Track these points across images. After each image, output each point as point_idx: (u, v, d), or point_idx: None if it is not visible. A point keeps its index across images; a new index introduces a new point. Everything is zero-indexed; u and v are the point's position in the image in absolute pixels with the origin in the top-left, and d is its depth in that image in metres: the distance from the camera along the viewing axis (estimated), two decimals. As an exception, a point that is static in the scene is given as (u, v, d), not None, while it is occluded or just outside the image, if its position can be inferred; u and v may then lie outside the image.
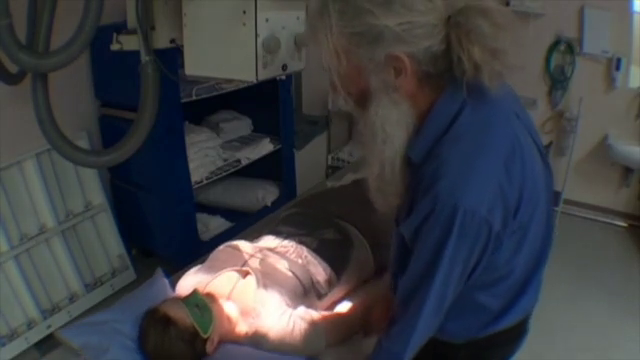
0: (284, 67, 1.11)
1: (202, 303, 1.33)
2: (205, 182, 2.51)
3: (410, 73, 0.77)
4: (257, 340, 1.35)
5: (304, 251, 1.58)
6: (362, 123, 0.84)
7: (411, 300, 0.87)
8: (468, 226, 0.76)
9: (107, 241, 2.51)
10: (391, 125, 0.80)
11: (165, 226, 2.46)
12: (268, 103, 2.81)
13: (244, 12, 1.06)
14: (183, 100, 2.23)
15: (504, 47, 0.74)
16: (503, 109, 0.85)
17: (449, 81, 0.78)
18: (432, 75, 0.78)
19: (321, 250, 1.59)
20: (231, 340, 1.37)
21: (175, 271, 1.70)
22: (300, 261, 1.54)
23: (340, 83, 0.83)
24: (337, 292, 1.57)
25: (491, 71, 0.74)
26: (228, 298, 1.42)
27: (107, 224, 2.50)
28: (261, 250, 1.58)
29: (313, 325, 1.36)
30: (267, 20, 1.09)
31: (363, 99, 0.82)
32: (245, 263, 1.50)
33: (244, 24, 1.03)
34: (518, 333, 1.04)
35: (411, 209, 0.82)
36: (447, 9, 0.74)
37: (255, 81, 1.14)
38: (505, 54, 0.74)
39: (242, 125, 2.95)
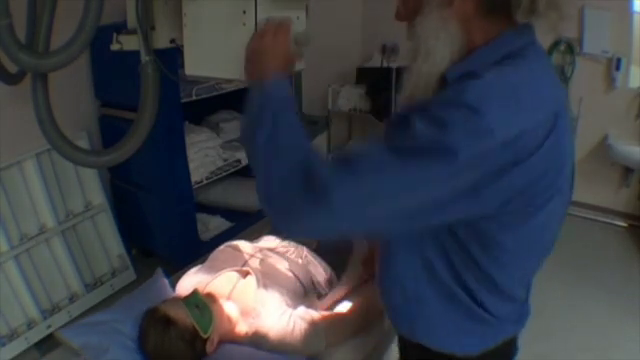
0: (284, 67, 1.10)
1: (202, 303, 1.33)
2: (205, 182, 2.51)
3: None
4: (257, 340, 1.35)
5: (304, 251, 1.58)
6: (410, 36, 0.81)
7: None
8: (475, 130, 0.66)
9: (107, 241, 2.51)
10: (435, 40, 0.76)
11: (165, 226, 2.46)
12: (268, 103, 2.81)
13: (244, 12, 1.06)
14: (183, 100, 2.23)
15: None
16: (561, 91, 0.82)
17: (507, 28, 0.76)
18: (489, 7, 0.75)
19: (321, 250, 1.59)
20: (231, 340, 1.37)
21: (175, 271, 1.70)
22: (300, 261, 1.55)
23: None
24: (337, 292, 1.57)
25: (548, 3, 0.72)
26: (228, 298, 1.42)
27: (107, 224, 2.50)
28: (261, 250, 1.58)
29: (313, 325, 1.36)
30: (267, 20, 1.09)
31: (415, 13, 0.79)
32: (245, 263, 1.50)
33: (244, 24, 1.03)
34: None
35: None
36: None
37: (255, 81, 1.14)
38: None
39: (242, 125, 2.95)
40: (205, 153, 2.56)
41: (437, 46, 0.76)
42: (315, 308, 1.47)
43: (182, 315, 1.29)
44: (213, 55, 1.12)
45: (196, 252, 2.04)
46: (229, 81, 2.34)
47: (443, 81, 0.77)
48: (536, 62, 0.76)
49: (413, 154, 0.68)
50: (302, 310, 1.40)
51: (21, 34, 1.37)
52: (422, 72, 0.78)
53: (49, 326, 2.15)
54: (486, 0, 0.74)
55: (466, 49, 0.77)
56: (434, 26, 0.76)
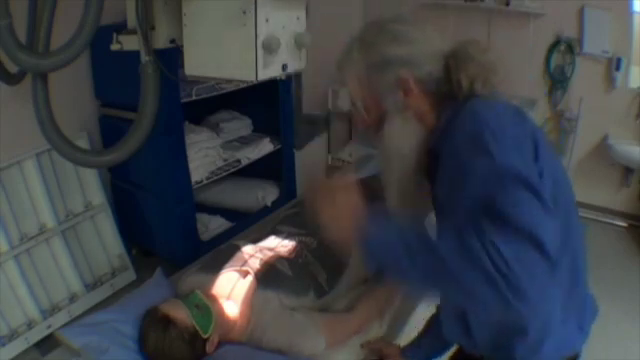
0: (284, 67, 1.11)
1: (202, 303, 1.33)
2: (205, 182, 2.51)
3: (416, 94, 0.91)
4: (257, 340, 1.35)
5: (304, 251, 1.58)
6: (380, 144, 0.97)
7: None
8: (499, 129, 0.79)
9: (107, 241, 2.51)
10: (403, 139, 0.94)
11: (165, 226, 2.46)
12: (268, 103, 2.81)
13: (244, 12, 1.06)
14: (183, 100, 2.23)
15: (493, 62, 0.91)
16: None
17: (451, 100, 0.91)
18: (436, 96, 0.92)
19: (321, 250, 1.59)
20: (231, 340, 1.38)
21: (175, 271, 1.70)
22: (300, 261, 1.55)
23: (363, 111, 0.97)
24: (337, 292, 1.57)
25: (484, 83, 0.89)
26: (228, 298, 1.42)
27: (107, 224, 2.50)
28: (261, 250, 1.58)
29: (313, 325, 1.36)
30: (267, 20, 1.09)
31: (381, 123, 0.95)
32: (245, 263, 1.50)
33: (244, 24, 1.03)
34: None
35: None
36: (444, 45, 0.93)
37: (255, 81, 1.14)
38: (495, 68, 0.91)
39: (242, 125, 2.95)
40: (205, 153, 2.55)
41: (405, 143, 0.94)
42: (315, 308, 1.48)
43: (182, 315, 1.29)
44: (213, 55, 1.13)
45: (196, 252, 2.04)
46: (229, 81, 2.34)
47: (427, 154, 0.93)
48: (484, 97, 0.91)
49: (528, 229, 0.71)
50: (302, 310, 1.40)
51: (21, 34, 1.37)
52: (399, 169, 0.96)
53: (49, 326, 2.15)
54: (435, 96, 0.92)
55: (427, 129, 0.93)
56: (399, 128, 0.94)
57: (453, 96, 0.91)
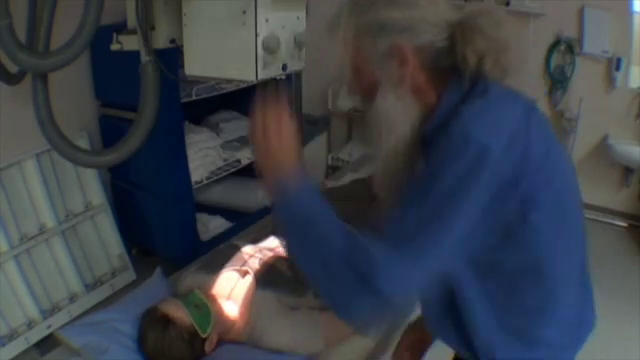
0: (284, 67, 1.11)
1: (201, 303, 1.33)
2: (205, 182, 2.51)
3: (414, 66, 0.80)
4: (256, 339, 1.35)
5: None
6: (369, 117, 0.87)
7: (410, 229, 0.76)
8: (466, 152, 0.72)
9: (107, 241, 2.51)
10: (395, 116, 0.83)
11: (165, 226, 2.46)
12: (268, 103, 2.81)
13: (244, 12, 1.06)
14: (183, 100, 2.23)
15: (505, 39, 0.79)
16: (516, 91, 0.86)
17: (455, 78, 0.81)
18: (437, 71, 0.81)
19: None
20: (230, 339, 1.38)
21: (175, 271, 1.70)
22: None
23: (353, 78, 0.88)
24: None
25: (494, 62, 0.78)
26: (228, 298, 1.42)
27: (107, 224, 2.50)
28: (261, 250, 1.59)
29: (312, 324, 1.36)
30: (267, 20, 1.09)
31: (371, 93, 0.85)
32: (245, 263, 1.50)
33: (244, 24, 1.03)
34: None
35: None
36: (452, 14, 0.81)
37: (255, 81, 1.14)
38: (507, 46, 0.79)
39: (242, 125, 2.94)
40: (205, 153, 2.55)
41: (397, 121, 0.83)
42: (314, 308, 1.47)
43: (181, 315, 1.29)
44: (213, 55, 1.13)
45: (196, 252, 2.04)
46: (229, 81, 2.34)
47: (419, 140, 0.83)
48: (491, 87, 0.81)
49: (443, 202, 0.72)
50: (301, 309, 1.40)
51: (21, 34, 1.37)
52: (389, 146, 0.84)
53: (49, 326, 2.14)
54: (436, 70, 0.81)
55: (425, 109, 0.83)
56: (392, 104, 0.82)
57: (457, 73, 0.80)
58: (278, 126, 0.83)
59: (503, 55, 0.79)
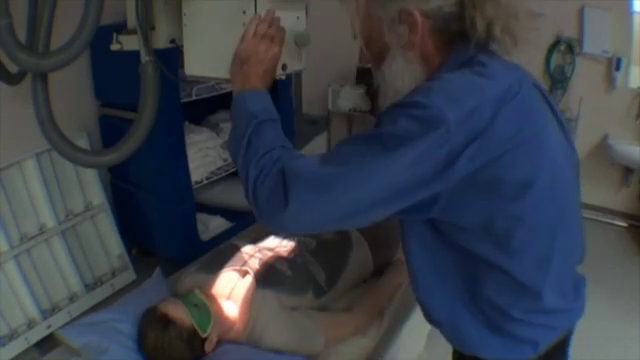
0: (284, 67, 1.10)
1: (201, 302, 1.33)
2: (205, 182, 2.51)
3: (423, 32, 0.81)
4: (256, 339, 1.36)
5: (303, 251, 1.58)
6: (378, 81, 0.90)
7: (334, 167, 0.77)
8: (423, 116, 0.72)
9: (107, 241, 2.51)
10: (402, 79, 0.85)
11: (165, 226, 2.46)
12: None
13: (244, 12, 1.05)
14: (183, 100, 2.23)
15: (515, 5, 0.79)
16: (517, 71, 0.85)
17: (462, 45, 0.81)
18: (445, 36, 0.82)
19: (320, 250, 1.59)
20: (230, 339, 1.38)
21: (175, 271, 1.70)
22: (299, 261, 1.55)
23: (363, 42, 0.90)
24: (336, 292, 1.57)
25: (503, 29, 0.79)
26: (227, 298, 1.42)
27: (107, 224, 2.50)
28: (261, 250, 1.59)
29: (312, 324, 1.36)
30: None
31: (381, 57, 0.87)
32: (245, 263, 1.50)
33: (244, 24, 1.03)
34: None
35: None
36: None
37: (255, 81, 1.14)
38: (516, 13, 0.79)
39: (242, 125, 2.94)
40: (205, 153, 2.55)
41: (404, 84, 0.84)
42: (314, 308, 1.48)
43: (181, 314, 1.29)
44: (213, 55, 1.12)
45: (196, 252, 2.04)
46: (229, 81, 2.33)
47: None
48: (489, 61, 0.80)
49: (380, 147, 0.73)
50: (301, 310, 1.41)
51: (21, 34, 1.37)
52: None
53: (49, 326, 2.15)
54: (444, 35, 0.82)
55: (428, 74, 0.84)
56: (400, 67, 0.85)
57: (465, 38, 0.80)
58: (273, 39, 0.96)
59: (513, 22, 0.79)
